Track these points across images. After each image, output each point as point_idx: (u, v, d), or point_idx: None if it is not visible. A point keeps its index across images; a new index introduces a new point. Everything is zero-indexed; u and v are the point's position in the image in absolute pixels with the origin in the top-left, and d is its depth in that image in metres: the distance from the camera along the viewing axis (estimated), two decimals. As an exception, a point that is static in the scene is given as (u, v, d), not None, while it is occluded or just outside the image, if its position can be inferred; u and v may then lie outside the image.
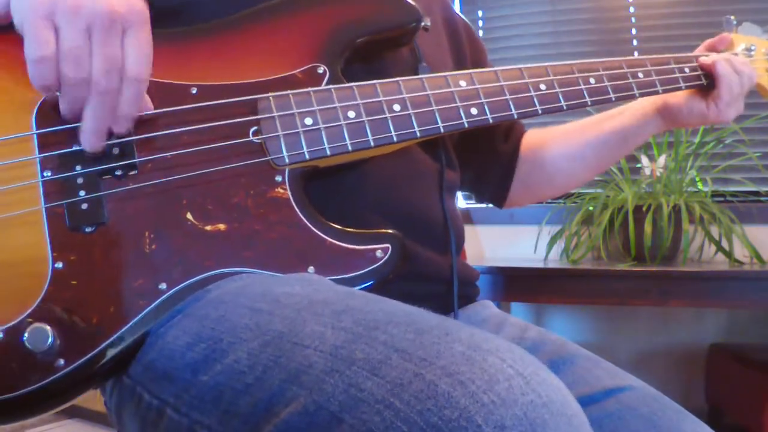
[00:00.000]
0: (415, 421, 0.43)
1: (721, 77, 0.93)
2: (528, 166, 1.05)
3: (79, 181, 0.62)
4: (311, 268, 0.66)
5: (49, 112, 0.63)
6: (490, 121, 0.77)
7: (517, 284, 1.74)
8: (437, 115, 0.74)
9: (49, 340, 0.57)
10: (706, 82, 0.95)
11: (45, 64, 0.57)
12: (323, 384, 0.48)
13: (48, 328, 0.58)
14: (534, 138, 1.07)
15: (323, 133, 0.69)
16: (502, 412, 0.42)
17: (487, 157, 1.03)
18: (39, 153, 0.62)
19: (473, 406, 0.42)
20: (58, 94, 0.61)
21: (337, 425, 0.46)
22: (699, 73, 0.95)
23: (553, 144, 1.04)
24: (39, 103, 0.63)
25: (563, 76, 0.84)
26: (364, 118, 0.71)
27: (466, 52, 0.98)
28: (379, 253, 0.68)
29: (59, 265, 0.60)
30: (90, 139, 0.61)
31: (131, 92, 0.60)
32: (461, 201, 2.38)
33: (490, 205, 1.12)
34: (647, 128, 1.00)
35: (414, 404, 0.43)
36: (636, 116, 1.00)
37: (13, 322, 0.58)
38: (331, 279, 0.66)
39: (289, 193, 0.68)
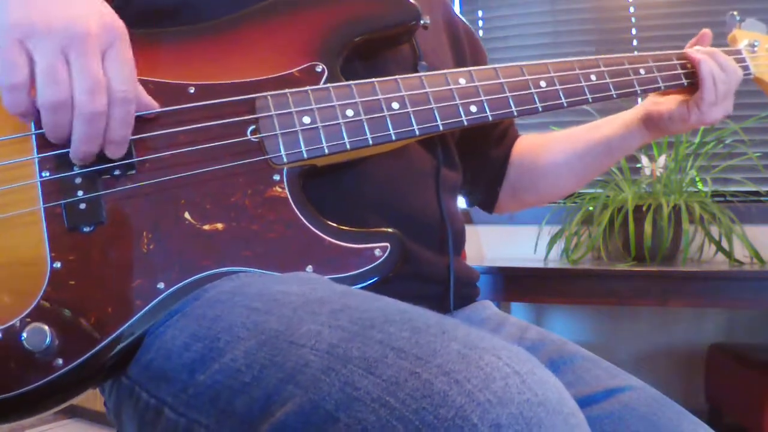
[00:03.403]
0: (410, 419, 0.43)
1: (704, 76, 0.91)
2: (516, 171, 1.04)
3: (78, 181, 0.62)
4: (310, 267, 0.66)
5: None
6: (490, 118, 0.77)
7: (517, 284, 1.74)
8: (436, 113, 0.74)
9: (48, 339, 0.57)
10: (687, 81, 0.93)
11: (18, 90, 0.56)
12: (319, 383, 0.48)
13: (46, 327, 0.57)
14: (525, 144, 1.06)
15: (321, 131, 0.69)
16: (498, 410, 0.42)
17: (478, 162, 1.02)
18: (37, 153, 0.62)
19: (469, 405, 0.42)
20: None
21: (333, 424, 0.45)
22: None
23: (543, 151, 1.04)
24: (28, 121, 0.63)
25: (564, 73, 0.83)
26: (363, 117, 0.71)
27: (466, 53, 0.98)
28: (377, 252, 0.68)
29: (58, 265, 0.60)
30: (81, 162, 0.61)
31: (122, 111, 0.59)
32: (461, 201, 2.38)
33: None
34: (631, 139, 0.99)
35: (410, 403, 0.43)
36: (621, 127, 0.99)
37: (11, 322, 0.58)
38: (330, 278, 0.65)
39: (287, 192, 0.68)
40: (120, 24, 0.60)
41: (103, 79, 0.57)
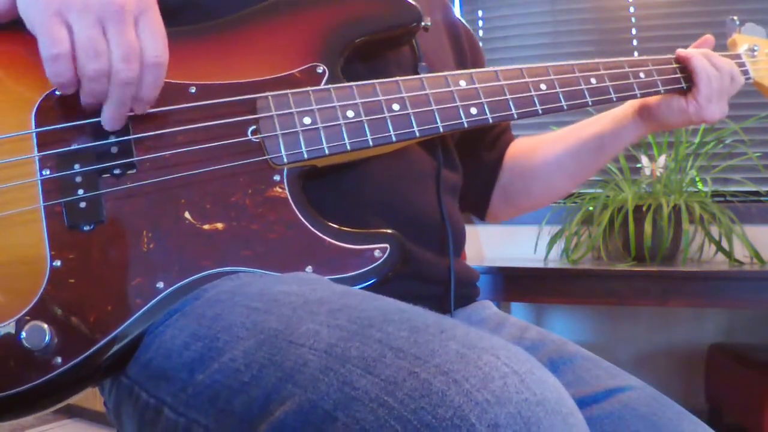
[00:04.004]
0: (408, 419, 0.43)
1: (698, 71, 0.91)
2: (509, 174, 1.04)
3: (78, 179, 0.62)
4: (309, 268, 0.66)
5: (48, 110, 0.63)
6: (490, 120, 0.77)
7: (517, 284, 1.73)
8: (436, 114, 0.74)
9: (47, 338, 0.57)
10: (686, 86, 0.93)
11: (61, 61, 0.58)
12: (318, 382, 0.48)
13: (45, 326, 0.57)
14: (518, 147, 1.05)
15: (322, 132, 0.69)
16: (497, 410, 0.42)
17: (472, 165, 1.01)
18: (38, 151, 0.62)
19: (467, 405, 0.42)
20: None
21: (332, 424, 0.46)
22: None
23: (535, 152, 1.03)
24: (39, 101, 0.63)
25: (564, 76, 0.83)
26: (363, 118, 0.71)
27: (467, 55, 0.97)
28: (377, 253, 0.68)
29: (57, 263, 0.60)
30: (111, 126, 0.63)
31: (153, 76, 0.61)
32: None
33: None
34: (625, 132, 0.97)
35: (408, 403, 0.43)
36: (613, 121, 0.98)
37: (10, 320, 0.58)
38: (329, 278, 0.66)
39: (287, 192, 0.68)
40: None
41: (137, 47, 0.60)
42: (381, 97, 0.72)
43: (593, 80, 0.85)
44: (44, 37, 0.57)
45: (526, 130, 2.06)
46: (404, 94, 0.73)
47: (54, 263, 0.60)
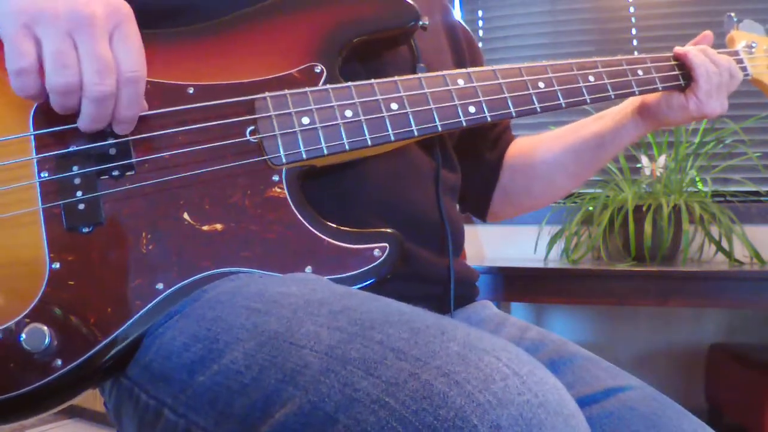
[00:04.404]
0: (410, 421, 0.43)
1: (696, 66, 0.90)
2: (509, 174, 1.03)
3: (76, 181, 0.62)
4: (309, 268, 0.66)
5: (47, 112, 0.63)
6: (488, 119, 0.77)
7: (517, 284, 1.73)
8: (435, 113, 0.74)
9: (47, 340, 0.57)
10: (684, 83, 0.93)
11: (25, 75, 0.57)
12: (319, 384, 0.48)
13: (45, 328, 0.57)
14: (518, 146, 1.05)
15: (320, 132, 0.69)
16: (498, 411, 0.42)
17: (472, 165, 1.01)
18: (36, 154, 0.62)
19: (469, 406, 0.42)
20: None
21: (333, 425, 0.45)
22: None
23: (535, 152, 1.02)
24: (37, 103, 0.63)
25: (562, 74, 0.83)
26: (362, 117, 0.71)
27: (465, 56, 0.97)
28: (377, 252, 0.68)
29: (56, 265, 0.60)
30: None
31: (130, 92, 0.60)
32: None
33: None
34: (626, 131, 0.97)
35: (409, 404, 0.43)
36: (614, 120, 0.97)
37: (10, 323, 0.58)
38: (329, 278, 0.65)
39: (286, 192, 0.68)
40: (126, 5, 0.60)
41: (111, 60, 0.58)
42: (379, 97, 0.72)
43: (591, 78, 0.85)
44: (10, 51, 0.56)
45: (524, 130, 2.06)
46: (402, 94, 0.73)
47: (53, 265, 0.60)
